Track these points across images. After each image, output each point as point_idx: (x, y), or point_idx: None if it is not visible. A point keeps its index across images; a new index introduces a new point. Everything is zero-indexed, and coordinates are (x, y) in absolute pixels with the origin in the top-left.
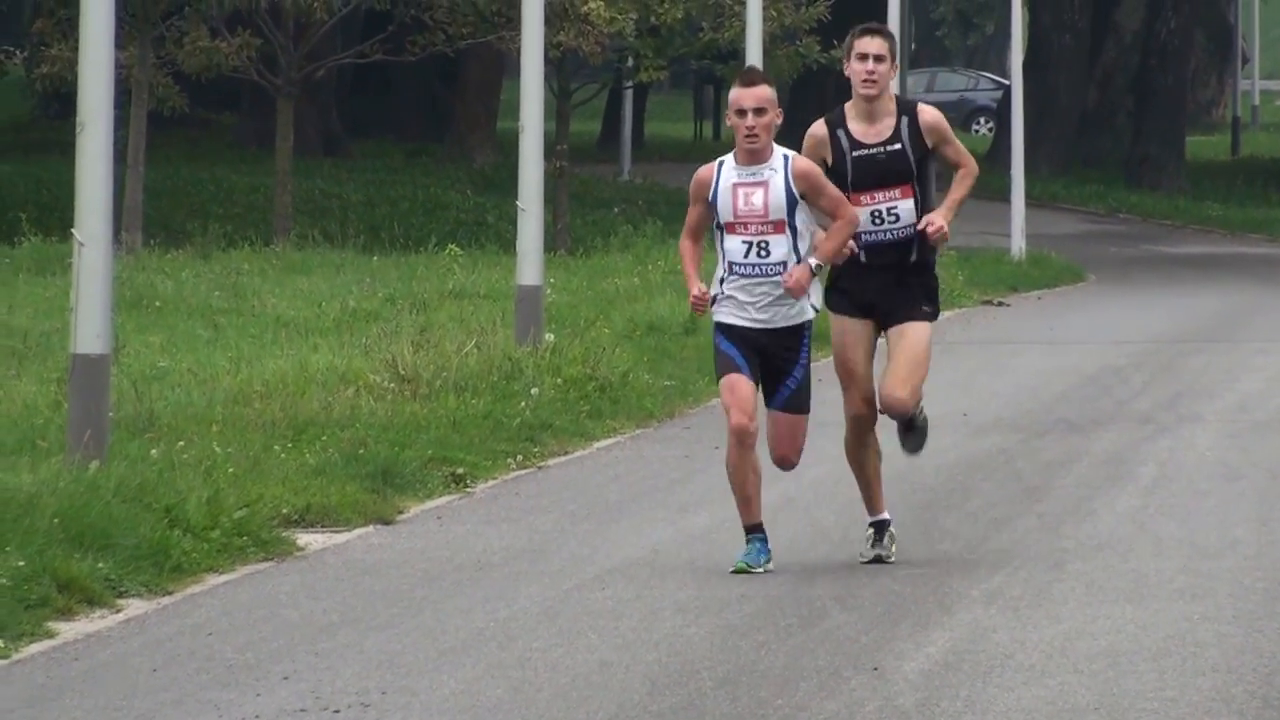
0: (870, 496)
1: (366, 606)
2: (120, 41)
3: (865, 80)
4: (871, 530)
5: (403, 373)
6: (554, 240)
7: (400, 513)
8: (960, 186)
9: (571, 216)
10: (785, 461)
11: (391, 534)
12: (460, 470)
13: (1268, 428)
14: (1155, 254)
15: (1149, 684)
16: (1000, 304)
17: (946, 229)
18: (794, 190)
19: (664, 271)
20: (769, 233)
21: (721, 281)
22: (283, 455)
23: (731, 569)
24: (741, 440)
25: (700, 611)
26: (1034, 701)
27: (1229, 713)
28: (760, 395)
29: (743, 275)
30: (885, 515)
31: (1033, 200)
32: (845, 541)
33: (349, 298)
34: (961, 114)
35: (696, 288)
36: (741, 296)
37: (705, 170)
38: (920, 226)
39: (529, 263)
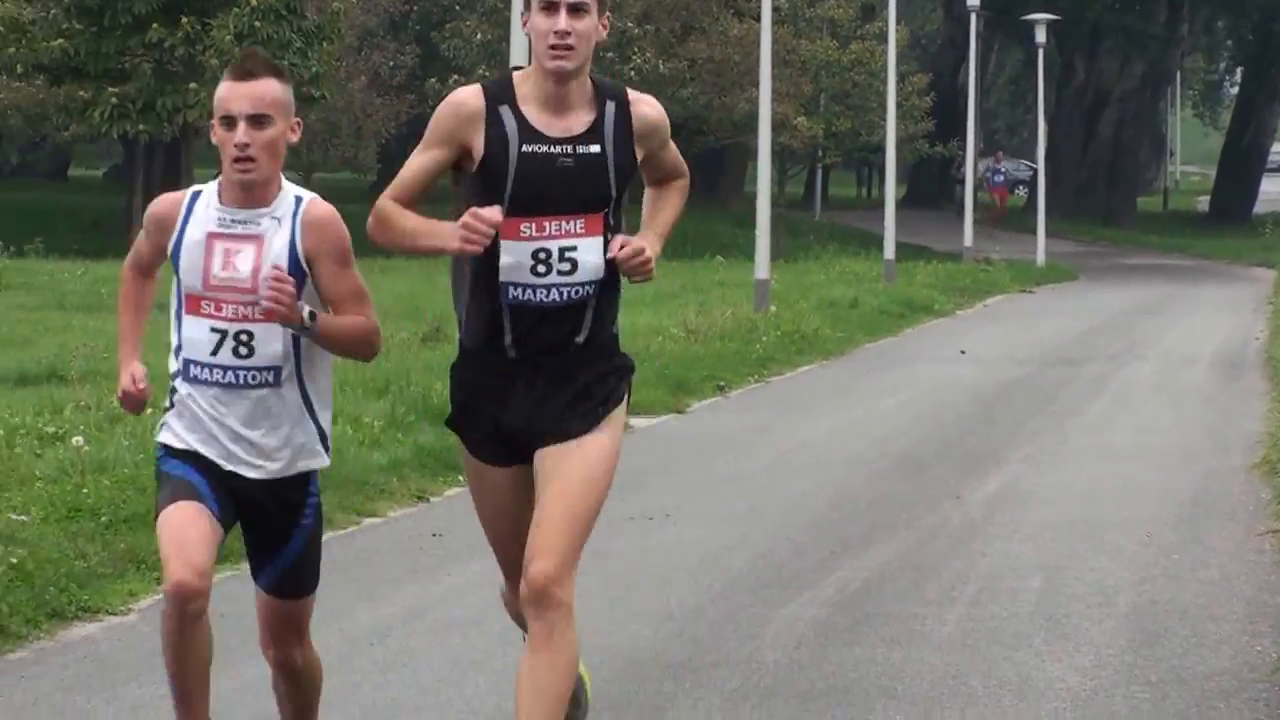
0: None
1: (669, 460)
2: None
3: (556, 47)
4: None
5: (689, 328)
6: (777, 253)
7: (688, 407)
8: (671, 202)
9: (786, 239)
10: (281, 660)
11: (682, 420)
12: (722, 383)
13: (1182, 362)
14: (1117, 264)
15: (1112, 506)
16: (1030, 291)
17: (653, 261)
18: (300, 254)
19: (837, 271)
20: (258, 319)
21: (173, 388)
22: None
23: None
24: (182, 606)
25: (859, 462)
26: (1047, 517)
27: (1165, 518)
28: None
29: (205, 383)
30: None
31: (1049, 232)
32: (936, 425)
33: (659, 285)
34: (1010, 184)
35: (127, 374)
36: (205, 415)
37: (169, 202)
38: (615, 251)
39: (762, 265)
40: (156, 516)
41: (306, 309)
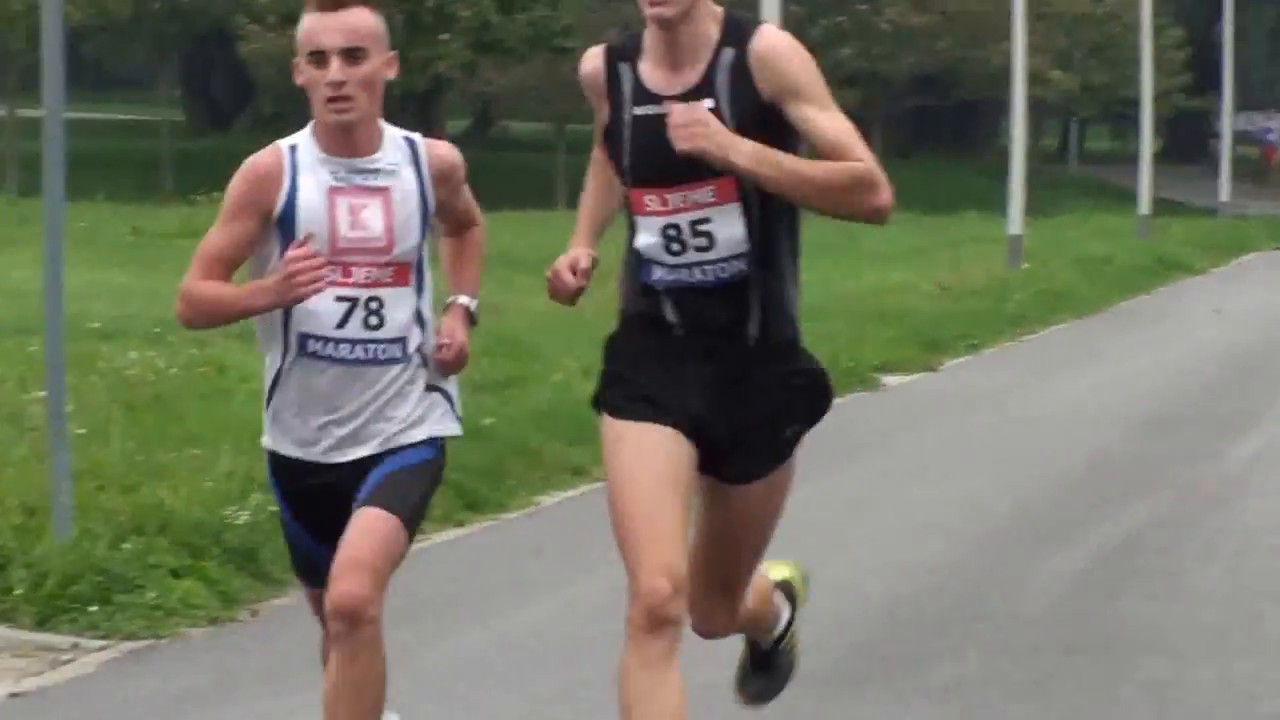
0: None
1: (922, 416)
2: None
3: None
4: None
5: (942, 285)
6: (1030, 207)
7: (940, 364)
8: (817, 166)
9: (1039, 194)
10: (351, 597)
11: (933, 377)
12: (975, 341)
13: None
14: None
15: None
16: None
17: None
18: (430, 201)
19: (1090, 227)
20: (387, 282)
21: (279, 372)
22: (872, 331)
23: None
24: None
25: (1114, 420)
26: None
27: None
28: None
29: (328, 359)
30: None
31: None
32: (1191, 393)
33: (911, 240)
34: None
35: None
36: (318, 397)
37: (266, 160)
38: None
39: (1015, 221)
40: (296, 572)
41: (468, 302)
